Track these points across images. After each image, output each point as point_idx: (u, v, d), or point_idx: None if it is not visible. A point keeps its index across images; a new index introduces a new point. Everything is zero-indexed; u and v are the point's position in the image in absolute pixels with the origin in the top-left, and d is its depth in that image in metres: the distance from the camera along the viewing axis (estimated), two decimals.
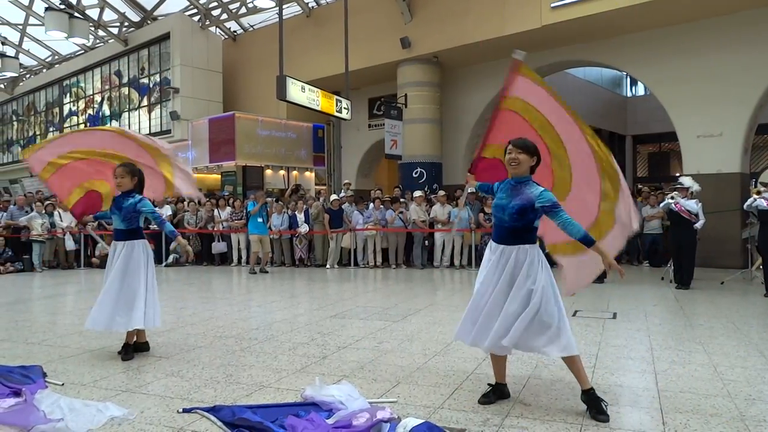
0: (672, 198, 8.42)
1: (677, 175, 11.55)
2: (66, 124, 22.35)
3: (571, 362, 3.32)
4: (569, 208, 3.41)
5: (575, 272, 3.81)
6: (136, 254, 4.57)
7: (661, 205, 9.02)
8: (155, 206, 5.05)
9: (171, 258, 12.79)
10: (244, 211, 12.35)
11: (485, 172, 3.96)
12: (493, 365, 3.59)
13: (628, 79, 24.62)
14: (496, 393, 3.50)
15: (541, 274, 3.28)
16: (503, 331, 3.29)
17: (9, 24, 19.92)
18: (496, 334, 3.30)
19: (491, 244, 3.50)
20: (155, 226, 4.80)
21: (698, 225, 8.38)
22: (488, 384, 3.61)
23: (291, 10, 16.59)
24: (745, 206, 8.85)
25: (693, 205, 8.25)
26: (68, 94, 22.32)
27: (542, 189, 3.32)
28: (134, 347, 4.67)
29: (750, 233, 9.83)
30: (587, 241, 3.23)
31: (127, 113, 19.34)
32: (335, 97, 14.01)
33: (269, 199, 11.93)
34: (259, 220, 11.49)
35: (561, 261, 3.84)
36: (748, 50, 10.88)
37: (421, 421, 2.93)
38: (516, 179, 3.41)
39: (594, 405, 3.22)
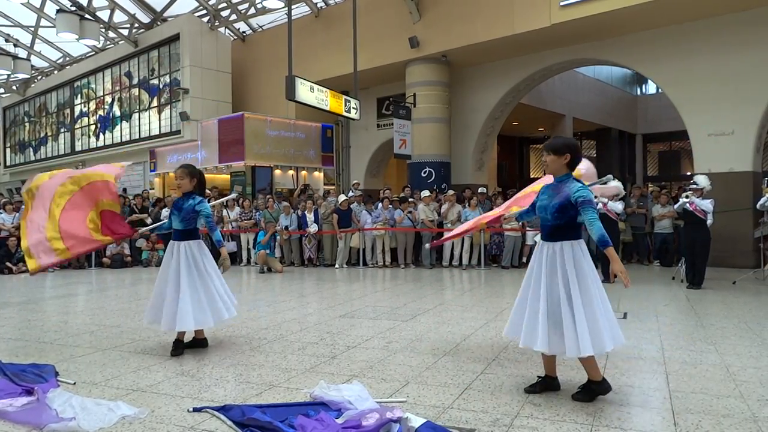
0: (686, 197, 8.33)
1: (689, 174, 11.47)
2: (77, 125, 22.53)
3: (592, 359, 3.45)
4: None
5: None
6: (199, 253, 4.64)
7: (676, 205, 8.90)
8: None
9: None
10: (254, 237, 12.45)
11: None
12: (544, 359, 3.68)
13: (638, 78, 24.47)
14: (543, 384, 3.63)
15: (582, 269, 3.39)
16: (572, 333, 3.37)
17: (21, 26, 20.10)
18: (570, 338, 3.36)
19: (539, 243, 3.62)
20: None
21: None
22: (537, 376, 3.76)
23: (300, 10, 16.63)
24: (758, 205, 8.79)
25: (708, 204, 8.15)
26: (79, 96, 22.48)
27: (580, 186, 3.42)
28: (189, 343, 4.81)
29: (762, 232, 9.76)
30: (603, 243, 3.29)
31: (137, 114, 19.46)
32: (344, 96, 14.02)
33: (278, 228, 12.05)
34: (267, 251, 11.63)
35: None
36: (760, 48, 10.76)
37: (423, 420, 2.95)
38: (557, 179, 3.53)
39: (589, 393, 3.47)
